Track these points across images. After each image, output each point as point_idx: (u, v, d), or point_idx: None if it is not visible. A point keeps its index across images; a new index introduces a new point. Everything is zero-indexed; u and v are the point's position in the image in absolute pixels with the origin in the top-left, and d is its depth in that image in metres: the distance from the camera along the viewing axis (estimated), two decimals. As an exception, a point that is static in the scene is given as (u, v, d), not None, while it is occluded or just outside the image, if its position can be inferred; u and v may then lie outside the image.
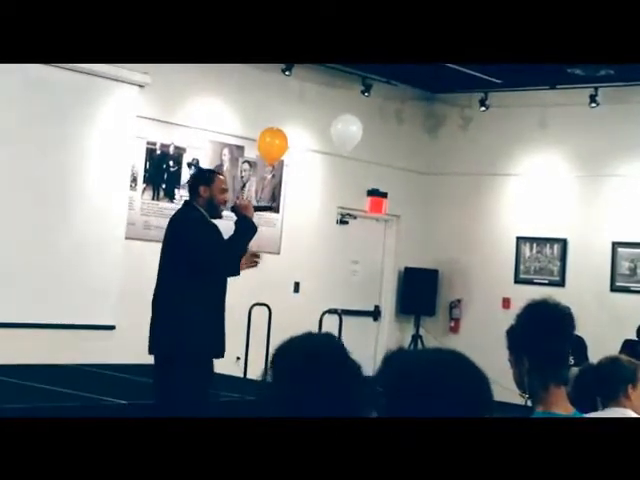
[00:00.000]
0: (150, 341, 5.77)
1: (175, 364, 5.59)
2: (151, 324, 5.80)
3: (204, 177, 6.03)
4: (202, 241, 5.72)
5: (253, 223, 5.90)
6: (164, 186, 9.63)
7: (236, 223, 5.92)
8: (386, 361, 1.86)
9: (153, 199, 9.54)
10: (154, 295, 5.86)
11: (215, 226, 5.81)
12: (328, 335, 2.26)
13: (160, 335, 5.70)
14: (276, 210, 10.55)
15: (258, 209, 6.25)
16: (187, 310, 5.63)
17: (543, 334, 2.90)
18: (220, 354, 5.77)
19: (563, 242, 11.14)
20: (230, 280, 10.10)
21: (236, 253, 5.85)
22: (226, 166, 10.15)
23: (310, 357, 2.09)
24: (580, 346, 9.49)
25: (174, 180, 9.70)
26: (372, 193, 11.38)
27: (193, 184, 6.01)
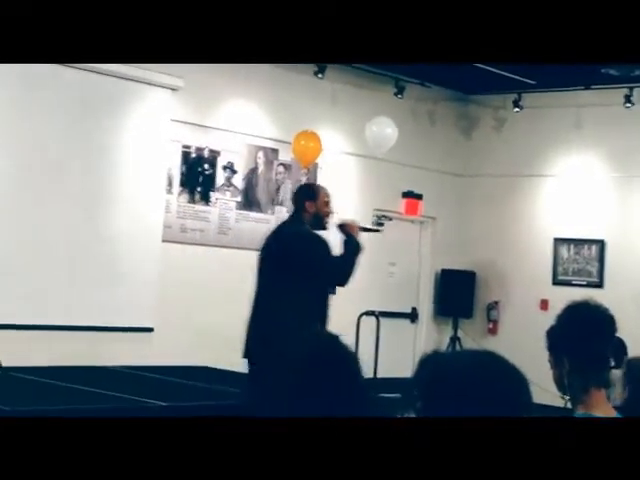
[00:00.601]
0: (249, 347, 5.92)
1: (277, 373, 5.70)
2: (252, 329, 6.00)
3: (309, 192, 6.21)
4: (319, 256, 5.93)
5: (359, 242, 6.10)
6: (199, 189, 9.68)
7: (344, 242, 6.11)
8: (421, 364, 1.85)
9: (189, 202, 9.58)
10: (255, 304, 6.10)
11: (326, 241, 5.98)
12: (331, 335, 2.25)
13: (268, 344, 5.71)
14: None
15: (365, 230, 6.46)
16: (296, 321, 5.75)
17: (584, 336, 2.89)
18: None
19: (601, 243, 11.07)
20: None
21: (347, 269, 6.05)
22: (261, 169, 10.18)
23: (310, 358, 2.09)
24: (620, 348, 9.42)
25: (209, 183, 9.75)
26: (407, 195, 11.37)
27: (298, 199, 6.19)
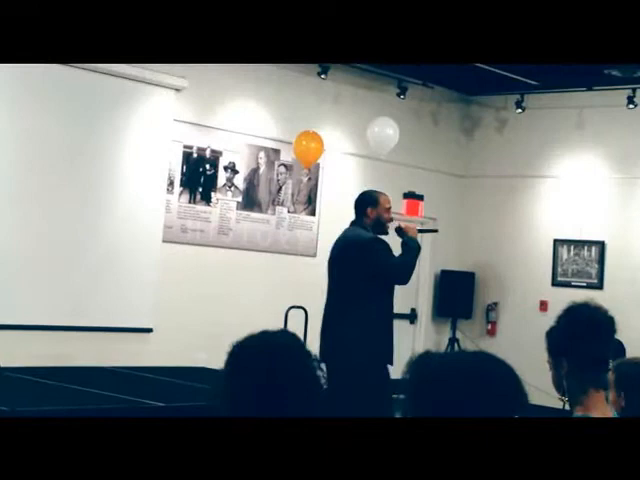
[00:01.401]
0: (327, 350, 6.20)
1: (355, 373, 6.05)
2: (323, 334, 6.41)
3: (370, 198, 6.49)
4: (381, 258, 6.20)
5: (418, 243, 6.44)
6: (201, 189, 9.67)
7: (403, 244, 6.40)
8: (410, 366, 1.83)
9: (190, 202, 9.58)
10: (325, 309, 6.51)
11: (386, 243, 6.28)
12: (285, 332, 2.23)
13: (340, 345, 6.22)
14: (312, 213, 10.57)
15: (422, 231, 6.73)
16: (370, 322, 6.19)
17: (583, 337, 2.88)
18: (392, 361, 6.27)
19: (601, 244, 11.06)
20: (267, 283, 10.16)
21: (407, 269, 6.36)
22: (262, 169, 10.18)
23: (264, 354, 2.08)
24: (619, 350, 9.39)
25: (211, 183, 9.74)
26: (408, 196, 11.35)
27: (360, 206, 6.47)
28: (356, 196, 6.63)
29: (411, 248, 6.38)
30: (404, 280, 6.41)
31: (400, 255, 6.36)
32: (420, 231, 6.61)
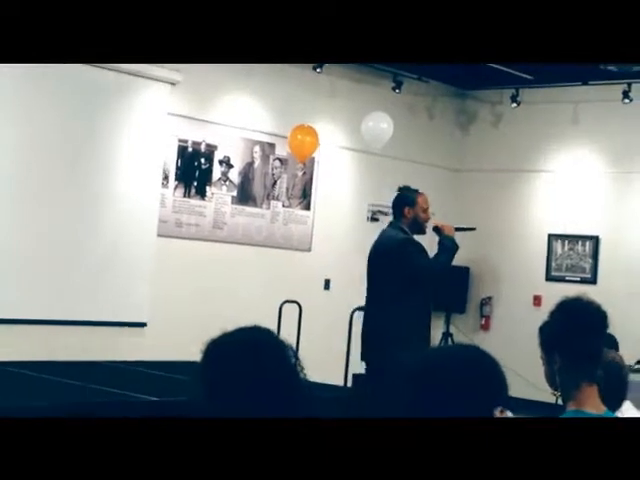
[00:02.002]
0: (363, 351, 6.45)
1: (388, 373, 6.07)
2: (364, 334, 6.53)
3: (407, 199, 6.57)
4: (418, 262, 6.30)
5: (455, 242, 6.51)
6: (195, 183, 9.66)
7: (439, 243, 6.50)
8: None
9: (185, 196, 9.57)
10: (366, 309, 6.64)
11: (418, 243, 6.40)
12: (259, 329, 2.22)
13: (374, 346, 6.37)
14: (307, 207, 10.57)
15: (459, 230, 6.76)
16: (402, 323, 6.25)
17: (576, 332, 2.88)
18: None
19: (595, 239, 11.07)
20: (261, 278, 10.15)
21: (442, 269, 6.49)
22: (257, 163, 10.17)
23: (242, 352, 2.08)
24: (612, 345, 9.40)
25: (205, 177, 9.73)
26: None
27: (397, 206, 6.59)
28: (394, 196, 6.73)
29: (447, 247, 6.45)
30: (436, 281, 6.52)
31: (435, 255, 6.46)
32: (457, 229, 6.68)
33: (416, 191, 6.74)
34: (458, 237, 6.65)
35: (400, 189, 6.47)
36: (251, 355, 2.07)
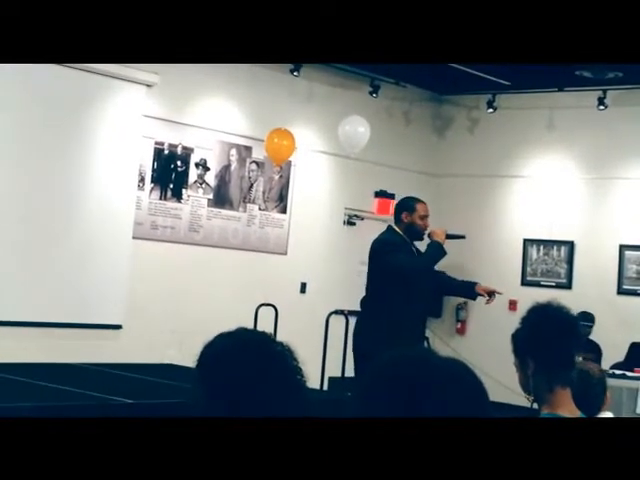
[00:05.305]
0: (356, 342, 6.73)
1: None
2: (358, 327, 6.84)
3: (407, 205, 6.85)
4: (395, 259, 6.58)
5: (443, 248, 6.71)
6: (172, 186, 9.64)
7: (428, 245, 6.76)
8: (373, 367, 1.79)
9: (160, 199, 9.55)
10: (362, 302, 6.92)
11: (396, 243, 6.66)
12: (251, 331, 2.21)
13: (366, 338, 6.59)
14: (283, 211, 10.57)
15: (450, 237, 6.94)
16: (395, 316, 6.54)
17: (547, 337, 2.90)
18: None
19: (570, 245, 11.13)
20: (237, 281, 10.13)
21: (425, 266, 6.74)
22: (234, 166, 10.16)
23: (236, 351, 2.07)
24: (595, 351, 9.44)
25: (182, 180, 9.71)
26: (379, 194, 11.37)
27: (398, 210, 6.85)
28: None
29: (432, 247, 6.68)
30: (410, 278, 6.61)
31: (418, 256, 6.73)
32: (447, 236, 6.85)
33: (417, 199, 6.94)
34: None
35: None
36: (254, 355, 2.06)
